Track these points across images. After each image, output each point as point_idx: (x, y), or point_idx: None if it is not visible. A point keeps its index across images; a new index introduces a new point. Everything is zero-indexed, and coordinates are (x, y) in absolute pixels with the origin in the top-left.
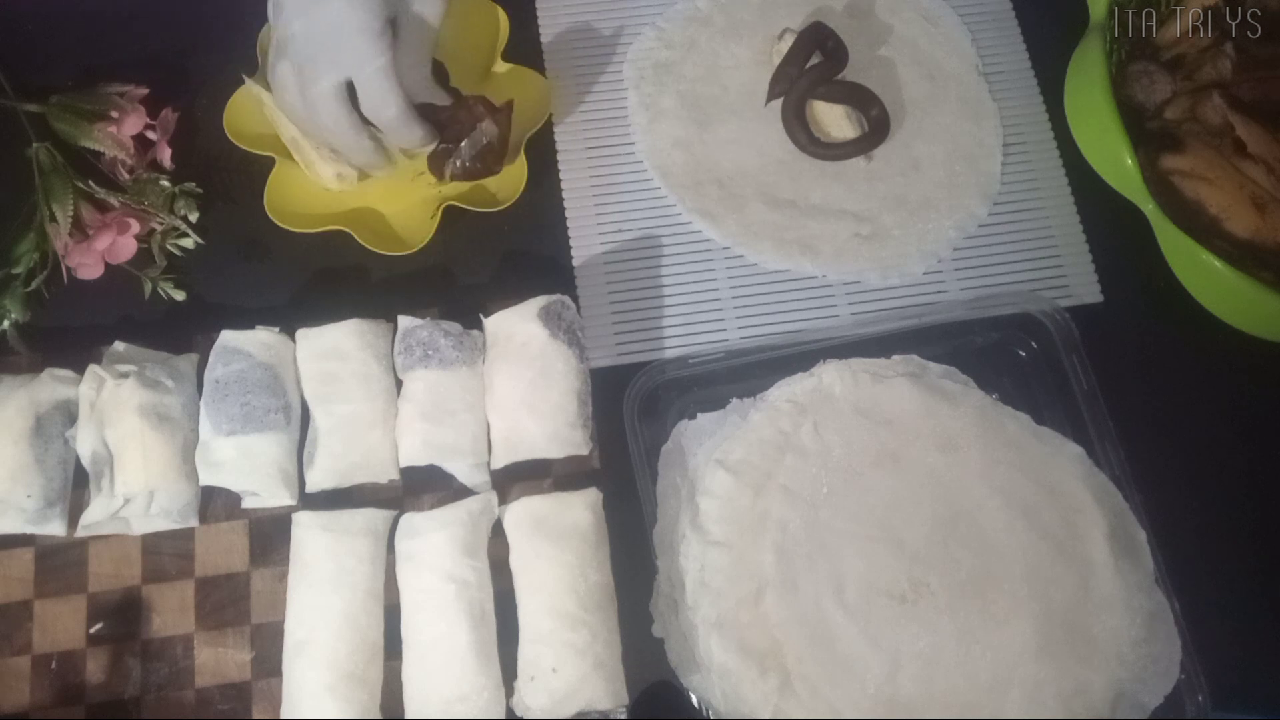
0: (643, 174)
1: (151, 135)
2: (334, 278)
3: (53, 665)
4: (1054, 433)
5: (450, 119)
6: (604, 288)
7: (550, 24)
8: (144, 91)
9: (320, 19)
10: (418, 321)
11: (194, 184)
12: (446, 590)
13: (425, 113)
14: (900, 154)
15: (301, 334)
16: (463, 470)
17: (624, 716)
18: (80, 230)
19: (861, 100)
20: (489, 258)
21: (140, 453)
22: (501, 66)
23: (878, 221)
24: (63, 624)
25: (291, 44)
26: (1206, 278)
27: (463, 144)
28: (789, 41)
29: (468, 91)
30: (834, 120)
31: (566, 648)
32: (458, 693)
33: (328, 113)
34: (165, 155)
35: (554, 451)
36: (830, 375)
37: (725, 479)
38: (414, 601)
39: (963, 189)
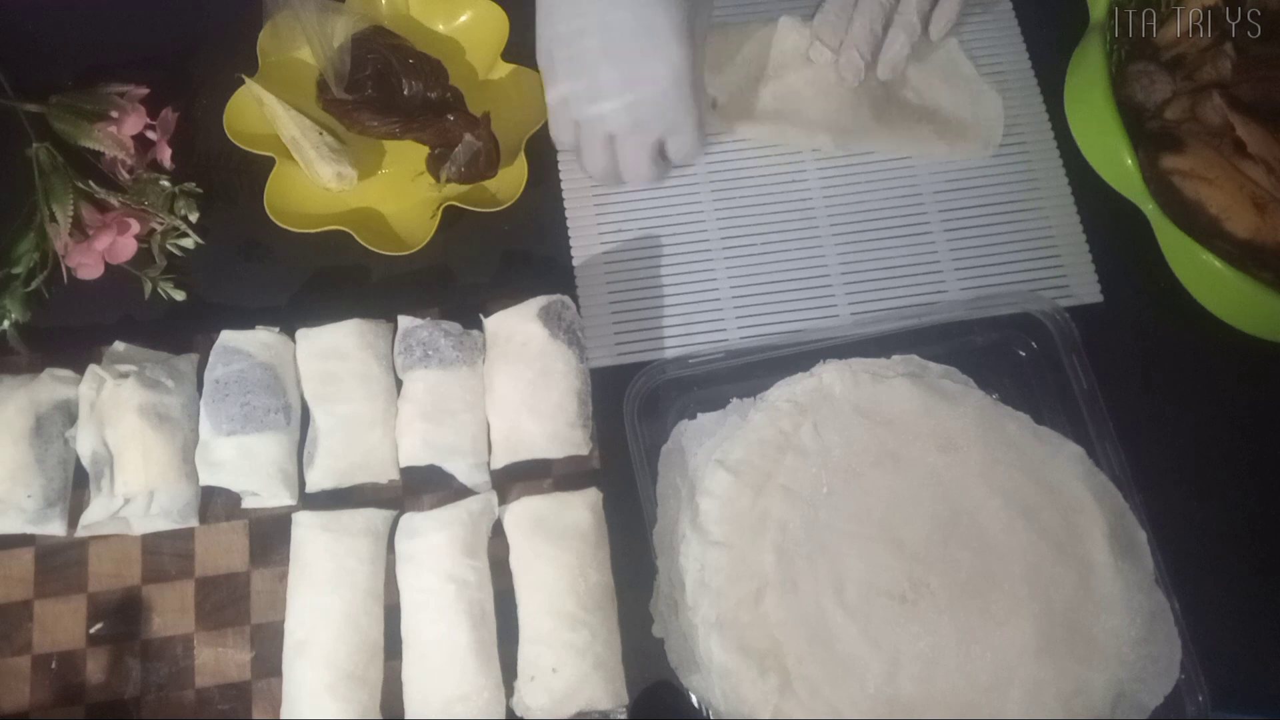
0: None
1: (151, 135)
2: (334, 278)
3: (53, 665)
4: (1054, 433)
5: (441, 129)
6: (604, 288)
7: None
8: (144, 91)
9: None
10: (418, 321)
11: (194, 184)
12: (446, 590)
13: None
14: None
15: (301, 334)
16: (463, 470)
17: (624, 716)
18: (80, 230)
19: None
20: (489, 258)
21: (140, 453)
22: (502, 67)
23: None
24: (63, 624)
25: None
26: (1206, 278)
27: (456, 150)
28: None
29: (468, 92)
30: None
31: (566, 648)
32: (458, 693)
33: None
34: (165, 155)
35: (554, 451)
36: (830, 375)
37: (725, 479)
38: (414, 601)
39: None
